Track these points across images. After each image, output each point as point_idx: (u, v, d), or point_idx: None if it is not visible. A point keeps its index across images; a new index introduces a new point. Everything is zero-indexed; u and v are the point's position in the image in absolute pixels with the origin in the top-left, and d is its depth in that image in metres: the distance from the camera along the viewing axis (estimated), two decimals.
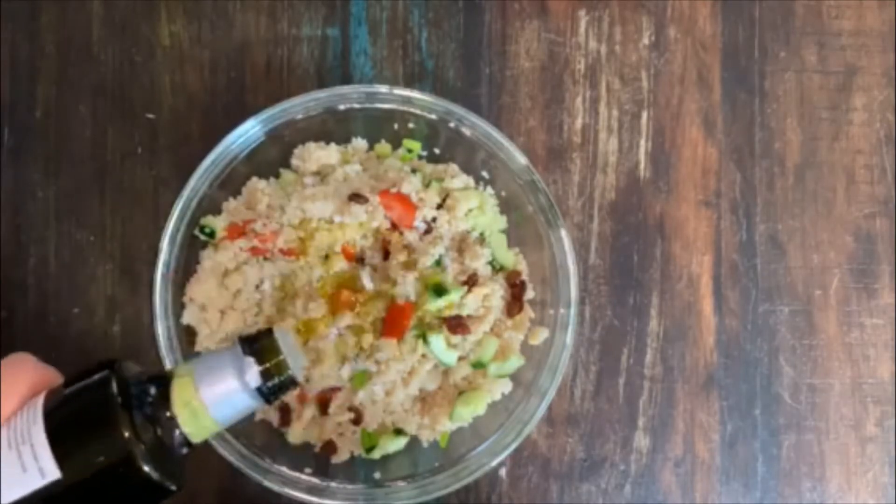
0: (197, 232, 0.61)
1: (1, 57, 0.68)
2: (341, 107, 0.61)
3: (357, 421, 0.62)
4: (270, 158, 0.63)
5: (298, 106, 0.60)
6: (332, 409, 0.62)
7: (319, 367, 0.61)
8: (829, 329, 0.70)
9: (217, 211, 0.62)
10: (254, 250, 0.62)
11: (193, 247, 0.62)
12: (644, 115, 0.70)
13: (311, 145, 0.64)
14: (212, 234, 0.62)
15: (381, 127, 0.64)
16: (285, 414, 0.63)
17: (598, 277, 0.69)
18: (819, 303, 0.70)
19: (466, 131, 0.61)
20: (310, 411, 0.62)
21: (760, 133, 0.70)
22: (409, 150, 0.64)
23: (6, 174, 0.67)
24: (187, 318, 0.61)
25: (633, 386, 0.68)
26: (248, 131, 0.60)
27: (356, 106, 0.61)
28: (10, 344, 0.66)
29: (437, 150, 0.65)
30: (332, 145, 0.64)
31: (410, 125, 0.63)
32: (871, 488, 0.69)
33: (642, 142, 0.70)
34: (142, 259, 0.67)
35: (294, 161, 0.64)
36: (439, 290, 0.61)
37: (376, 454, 0.62)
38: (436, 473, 0.60)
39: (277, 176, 0.64)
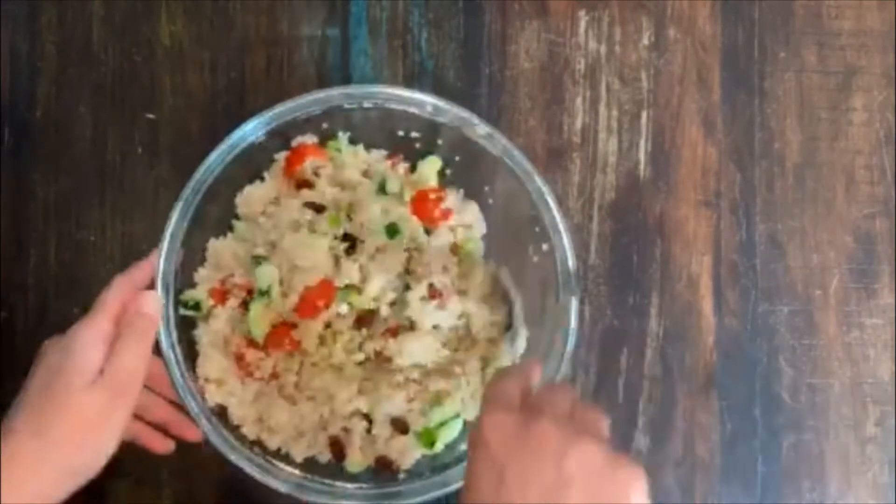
0: (183, 311, 0.60)
1: (1, 57, 0.68)
2: (346, 105, 0.60)
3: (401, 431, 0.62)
4: (269, 158, 0.63)
5: (301, 106, 0.59)
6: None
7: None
8: (828, 329, 0.70)
9: (192, 284, 0.62)
10: (242, 306, 0.61)
11: (193, 241, 0.61)
12: (644, 115, 0.70)
13: (249, 188, 0.63)
14: (197, 307, 0.61)
15: (382, 128, 0.63)
16: (338, 451, 0.62)
17: (598, 277, 0.69)
18: (819, 303, 0.70)
19: (470, 133, 0.60)
20: (357, 438, 0.62)
21: (760, 133, 0.70)
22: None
23: (6, 174, 0.67)
24: (212, 399, 0.60)
25: (633, 386, 0.68)
26: (250, 132, 0.59)
27: (358, 105, 0.60)
28: (10, 344, 0.66)
29: (438, 144, 0.64)
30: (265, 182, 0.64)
31: (414, 134, 0.63)
32: (870, 488, 0.69)
33: (642, 142, 0.70)
34: (142, 259, 0.67)
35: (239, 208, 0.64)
36: (392, 231, 0.60)
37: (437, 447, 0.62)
38: (436, 473, 0.60)
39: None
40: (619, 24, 0.70)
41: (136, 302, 0.55)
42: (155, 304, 0.56)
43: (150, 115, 0.68)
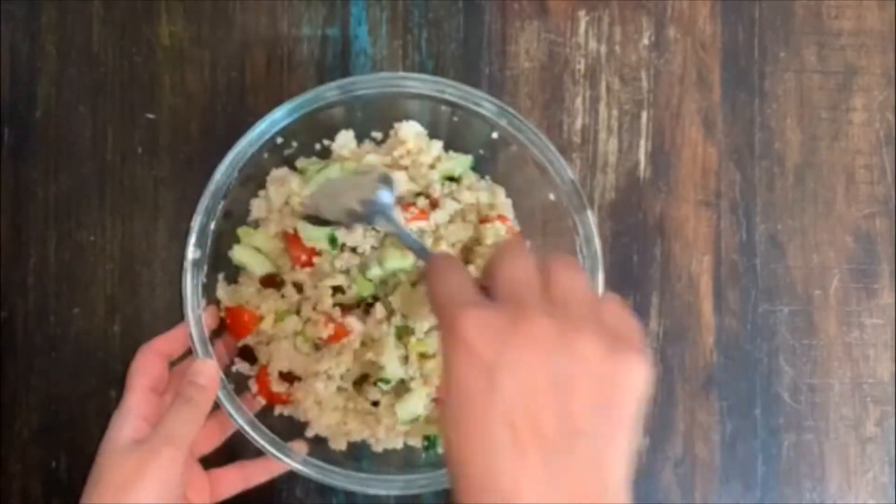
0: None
1: (1, 57, 0.68)
2: (363, 92, 0.58)
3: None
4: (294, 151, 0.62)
5: (324, 92, 0.58)
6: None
7: None
8: (828, 329, 0.70)
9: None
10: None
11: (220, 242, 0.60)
12: (644, 115, 0.70)
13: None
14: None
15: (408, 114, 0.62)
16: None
17: None
18: (819, 303, 0.70)
19: (498, 121, 0.59)
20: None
21: (760, 133, 0.70)
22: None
23: (6, 174, 0.67)
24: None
25: None
26: (277, 120, 0.58)
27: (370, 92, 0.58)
28: (10, 344, 0.66)
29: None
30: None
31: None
32: (871, 488, 0.69)
33: (642, 142, 0.70)
34: (142, 259, 0.67)
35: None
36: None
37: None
38: (432, 470, 0.60)
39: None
40: (619, 24, 0.70)
41: (189, 372, 0.55)
42: (208, 374, 0.55)
43: (150, 115, 0.68)
